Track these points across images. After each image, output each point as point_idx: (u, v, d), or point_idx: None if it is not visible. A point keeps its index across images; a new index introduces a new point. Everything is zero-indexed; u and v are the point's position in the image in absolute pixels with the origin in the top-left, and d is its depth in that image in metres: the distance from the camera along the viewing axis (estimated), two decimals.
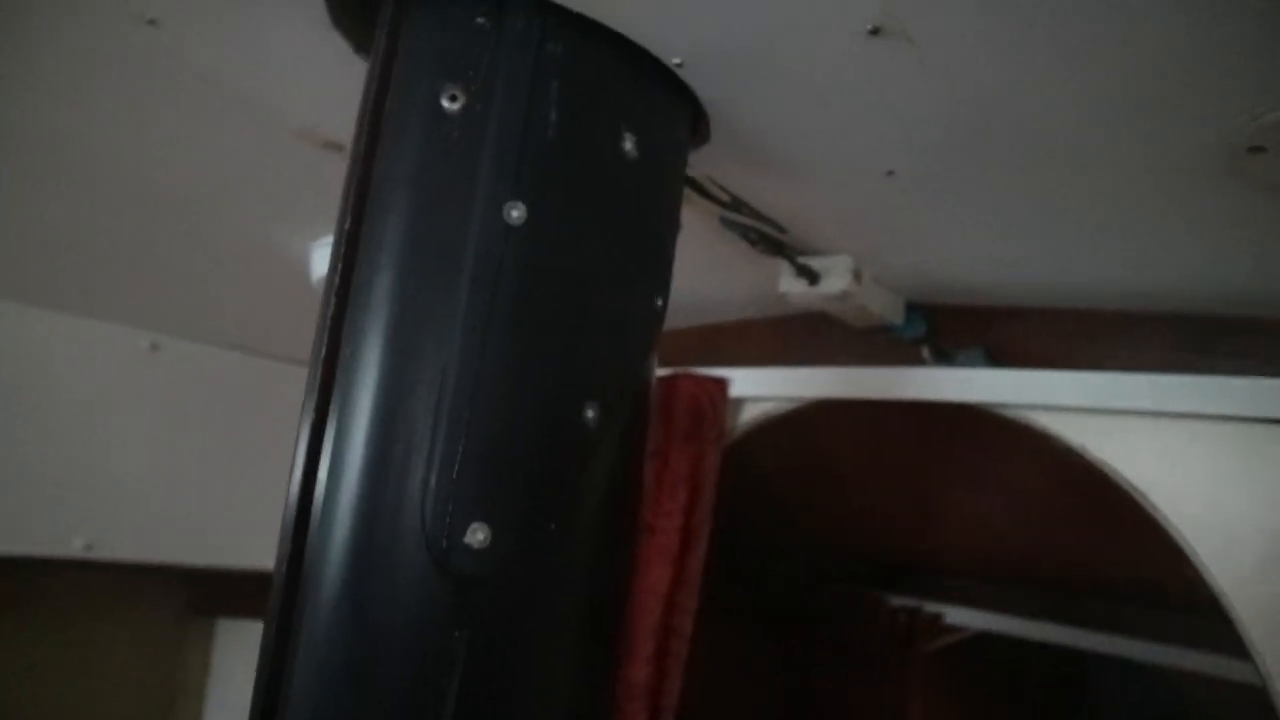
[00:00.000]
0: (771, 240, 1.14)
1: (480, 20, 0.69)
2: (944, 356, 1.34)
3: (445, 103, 0.68)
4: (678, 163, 0.83)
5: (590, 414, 0.71)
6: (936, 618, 2.29)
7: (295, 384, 1.85)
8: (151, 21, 0.81)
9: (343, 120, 0.96)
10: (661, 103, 0.78)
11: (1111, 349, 1.28)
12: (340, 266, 0.68)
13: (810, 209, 1.07)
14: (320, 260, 1.35)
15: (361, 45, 0.81)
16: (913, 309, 1.35)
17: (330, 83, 0.89)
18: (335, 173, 1.08)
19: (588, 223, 0.71)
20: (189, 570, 2.20)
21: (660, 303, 0.80)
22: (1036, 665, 2.56)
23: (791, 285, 1.22)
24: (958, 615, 2.30)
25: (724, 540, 1.13)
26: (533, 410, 0.68)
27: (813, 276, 1.20)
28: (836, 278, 1.20)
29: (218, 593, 2.44)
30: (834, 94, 0.79)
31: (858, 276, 1.20)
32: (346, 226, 0.69)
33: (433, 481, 0.64)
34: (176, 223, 1.33)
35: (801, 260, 1.19)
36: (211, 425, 1.84)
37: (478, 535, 0.64)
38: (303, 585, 0.65)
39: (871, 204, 1.00)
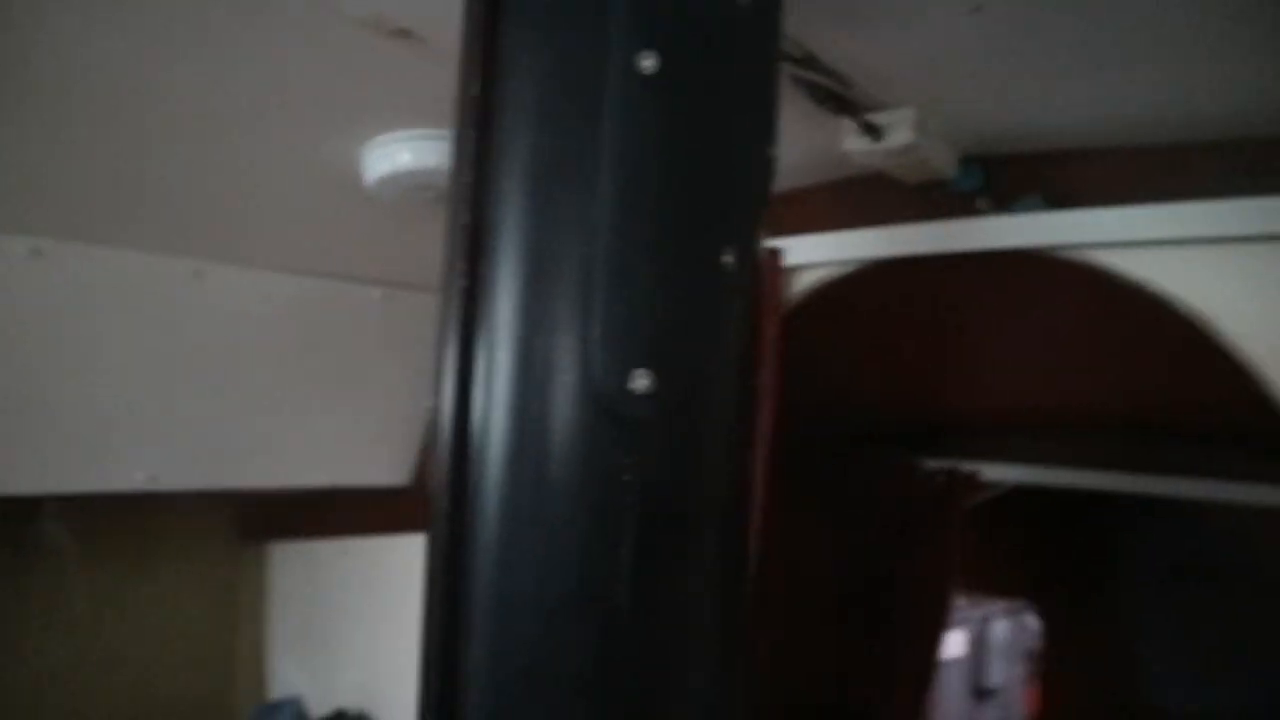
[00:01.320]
0: (837, 97, 1.14)
1: None
2: (1002, 206, 1.35)
3: None
4: (777, 12, 0.82)
5: (728, 259, 0.72)
6: (972, 475, 2.36)
7: (342, 299, 1.86)
8: None
9: (406, 3, 0.96)
10: None
11: (1168, 182, 1.29)
12: (471, 134, 0.68)
13: (880, 60, 1.07)
14: (375, 160, 1.33)
15: None
16: (967, 161, 1.35)
17: None
18: (391, 64, 1.07)
19: (714, 71, 0.71)
20: (242, 495, 2.24)
21: (772, 152, 0.80)
22: (1080, 513, 2.65)
23: (855, 143, 1.23)
24: (993, 471, 2.37)
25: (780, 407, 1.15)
26: (680, 257, 0.69)
27: (877, 133, 1.20)
28: (900, 131, 1.20)
29: (268, 517, 2.49)
30: None
31: (921, 129, 1.20)
32: (474, 91, 0.68)
33: (594, 333, 0.65)
34: (217, 146, 1.31)
35: (867, 117, 1.19)
36: (258, 349, 1.84)
37: (641, 381, 0.66)
38: (472, 452, 0.67)
39: (949, 47, 1.00)
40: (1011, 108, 1.20)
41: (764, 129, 0.79)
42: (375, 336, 1.94)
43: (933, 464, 2.37)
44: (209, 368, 1.79)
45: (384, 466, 2.06)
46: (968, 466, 2.34)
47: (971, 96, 1.15)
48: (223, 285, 1.75)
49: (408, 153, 1.32)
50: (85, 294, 1.60)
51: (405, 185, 1.36)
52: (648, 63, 0.67)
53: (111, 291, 1.63)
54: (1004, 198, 1.37)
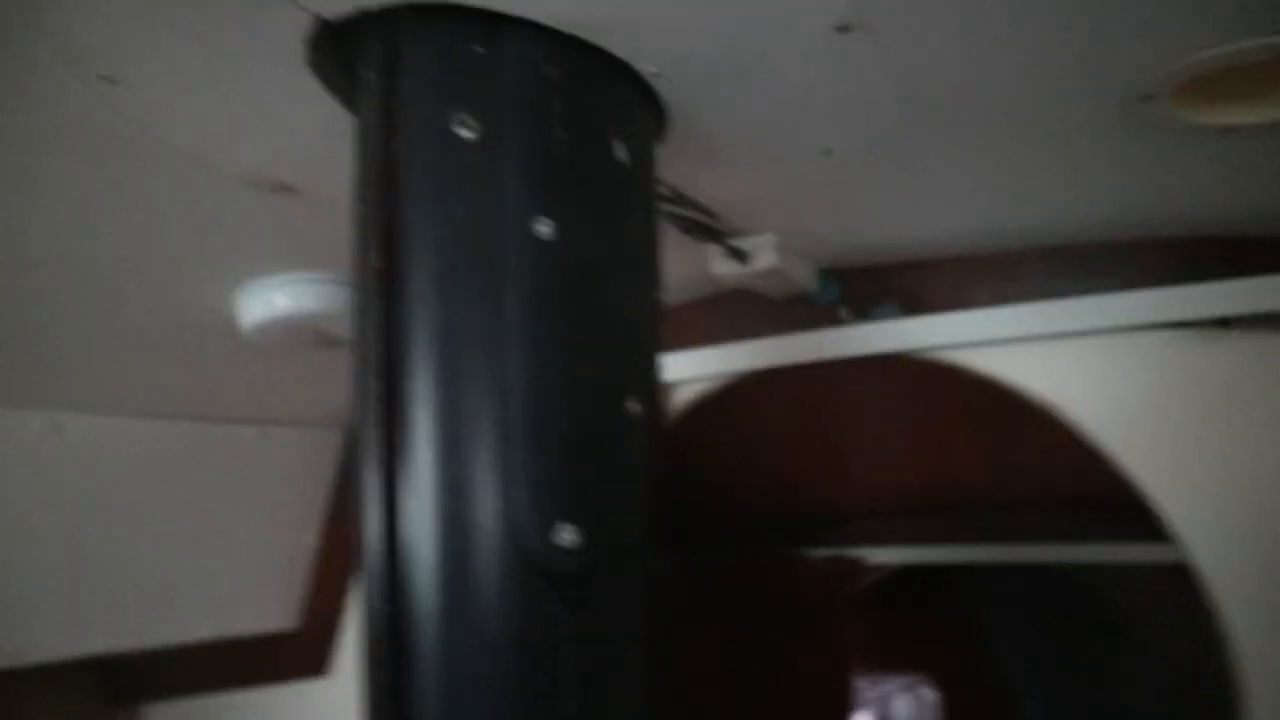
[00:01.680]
0: (704, 227, 1.22)
1: (477, 48, 0.72)
2: (861, 315, 1.45)
3: (459, 130, 0.71)
4: (652, 163, 0.88)
5: (634, 406, 0.76)
6: (857, 560, 2.44)
7: (213, 441, 1.80)
8: (108, 78, 0.80)
9: (294, 160, 0.97)
10: (637, 110, 0.84)
11: (1006, 286, 1.42)
12: (377, 304, 0.70)
13: (741, 194, 1.15)
14: (250, 304, 1.32)
15: (331, 84, 0.82)
16: (826, 274, 1.45)
17: (289, 124, 0.89)
18: (268, 213, 1.08)
19: (603, 230, 0.76)
20: (111, 658, 2.09)
21: (660, 296, 0.85)
22: (963, 584, 2.76)
23: (723, 267, 1.30)
24: (876, 554, 2.46)
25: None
26: (590, 411, 0.72)
27: (742, 256, 1.28)
28: (765, 255, 1.28)
29: (143, 677, 2.32)
30: (789, 88, 0.86)
31: (783, 251, 1.29)
32: (375, 264, 0.71)
33: (517, 492, 0.67)
34: (80, 293, 1.27)
35: (731, 242, 1.27)
36: (125, 500, 1.75)
37: (567, 535, 0.68)
38: (402, 623, 0.67)
39: (805, 183, 1.09)
40: (862, 228, 1.30)
41: (653, 275, 0.84)
42: (249, 476, 1.88)
43: (818, 554, 2.45)
44: (72, 526, 1.68)
45: (269, 610, 1.97)
46: (851, 553, 2.42)
47: (826, 221, 1.25)
48: (84, 436, 1.67)
49: (284, 297, 1.31)
50: None
51: (282, 329, 1.35)
52: (544, 228, 0.71)
53: None
54: (862, 306, 1.47)
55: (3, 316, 1.29)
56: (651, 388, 0.79)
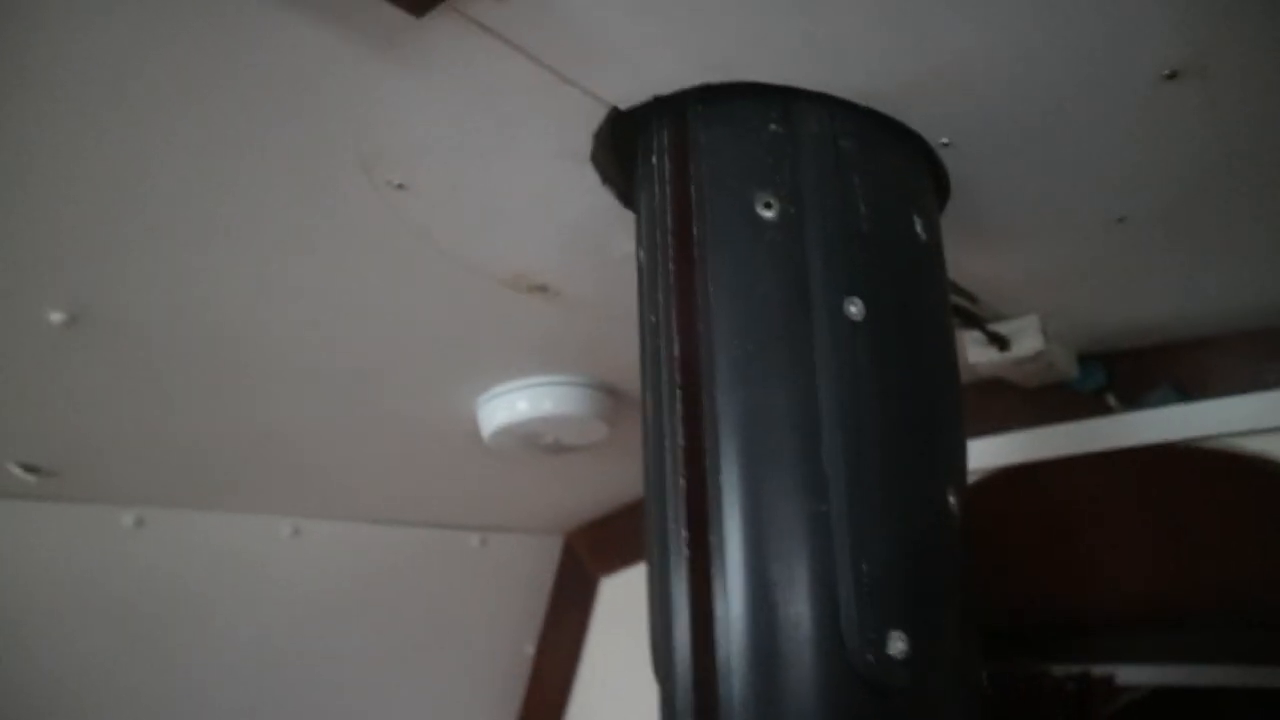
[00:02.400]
0: (963, 312, 1.14)
1: (774, 127, 0.69)
2: (1129, 401, 1.31)
3: (761, 210, 0.67)
4: (941, 240, 0.82)
5: (952, 500, 0.68)
6: (1108, 679, 2.19)
7: (439, 547, 1.83)
8: (398, 184, 0.82)
9: (554, 259, 0.97)
10: (928, 183, 0.79)
11: None
12: (681, 394, 0.66)
13: (1012, 271, 1.07)
14: (493, 410, 1.33)
15: (606, 176, 0.82)
16: (1087, 359, 1.33)
17: (557, 222, 0.89)
18: (517, 315, 1.08)
19: (910, 310, 0.71)
20: None
21: (960, 380, 0.78)
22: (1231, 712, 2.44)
23: (981, 354, 1.21)
24: (1129, 673, 2.20)
25: None
26: (914, 506, 0.65)
27: (1003, 342, 1.19)
28: (1028, 339, 1.19)
29: None
30: (1089, 150, 0.79)
31: (1046, 335, 1.19)
32: (677, 351, 0.67)
33: (847, 596, 0.60)
34: (330, 405, 1.31)
35: (991, 328, 1.18)
36: (355, 602, 1.78)
37: (898, 644, 0.61)
38: None
39: (1087, 255, 1.00)
40: (1136, 306, 1.19)
41: (954, 358, 0.77)
42: (473, 582, 1.89)
43: (1061, 670, 2.22)
44: (308, 624, 1.73)
45: (488, 717, 1.94)
46: (1100, 670, 2.18)
47: (1100, 299, 1.15)
48: (320, 541, 1.72)
49: (525, 402, 1.31)
50: (188, 558, 1.59)
51: (520, 434, 1.35)
52: (854, 308, 0.66)
53: (212, 555, 1.61)
54: (1128, 392, 1.34)
55: (256, 425, 1.35)
56: (964, 479, 0.72)
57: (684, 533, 0.64)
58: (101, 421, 1.24)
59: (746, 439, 0.64)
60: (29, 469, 1.35)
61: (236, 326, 1.05)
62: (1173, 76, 0.68)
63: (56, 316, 0.98)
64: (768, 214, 0.67)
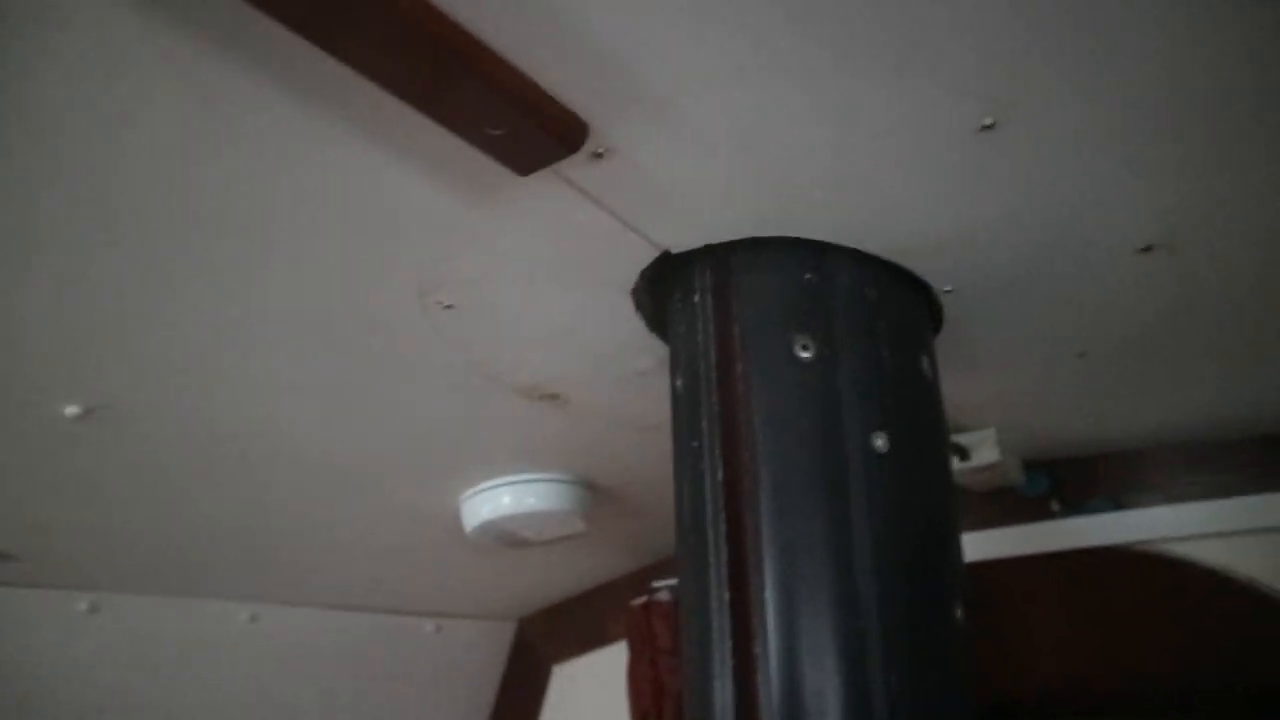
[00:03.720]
0: None
1: (809, 276, 0.78)
2: (1073, 507, 1.43)
3: (799, 352, 0.75)
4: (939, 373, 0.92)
5: (960, 614, 0.76)
6: None
7: (396, 633, 1.83)
8: (447, 305, 0.87)
9: (572, 373, 1.04)
10: (929, 324, 0.88)
11: (1219, 475, 1.40)
12: (726, 515, 0.73)
13: (975, 394, 1.17)
14: (475, 507, 1.36)
15: (640, 307, 0.89)
16: (1032, 466, 1.45)
17: (585, 342, 0.96)
18: (522, 420, 1.13)
19: (921, 441, 0.79)
20: None
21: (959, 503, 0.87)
22: None
23: None
24: None
25: None
26: (933, 620, 0.73)
27: (963, 453, 1.30)
28: (986, 450, 1.29)
29: None
30: (1066, 300, 0.90)
31: (1003, 446, 1.30)
32: (722, 476, 0.74)
33: (881, 704, 0.67)
34: (311, 500, 1.33)
35: (952, 439, 1.28)
36: (312, 688, 1.76)
37: None
38: None
39: (1048, 382, 1.11)
40: (1084, 424, 1.31)
41: (951, 480, 0.86)
42: (427, 668, 1.88)
43: None
44: (264, 710, 1.71)
45: None
46: None
47: (1051, 417, 1.26)
48: (277, 627, 1.70)
49: (508, 496, 1.35)
50: (142, 644, 1.56)
51: (501, 528, 1.39)
52: (879, 441, 0.74)
53: (167, 640, 1.58)
54: (1070, 498, 1.46)
55: (235, 516, 1.35)
56: (968, 592, 0.80)
57: (730, 642, 0.70)
58: (78, 510, 1.23)
59: (788, 559, 0.71)
60: None
61: (247, 423, 1.07)
62: (1147, 250, 0.79)
63: (72, 409, 0.99)
64: (805, 355, 0.75)
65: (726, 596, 0.71)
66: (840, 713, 0.67)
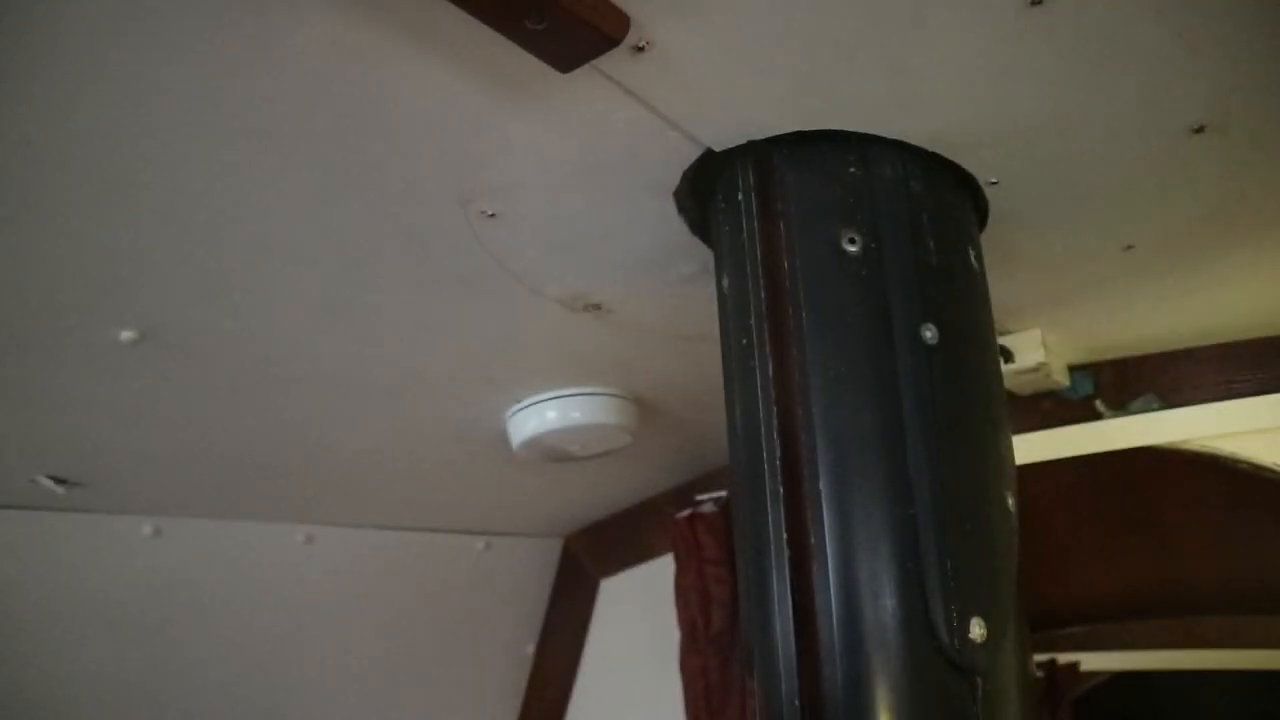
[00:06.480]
0: None
1: (853, 170, 0.77)
2: (1118, 408, 1.42)
3: (846, 245, 0.75)
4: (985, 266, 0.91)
5: (1011, 501, 0.77)
6: (1073, 666, 2.33)
7: (446, 551, 1.87)
8: (489, 214, 0.87)
9: (615, 281, 1.04)
10: (974, 217, 0.87)
11: (1268, 370, 1.38)
12: (778, 409, 0.74)
13: (1024, 293, 1.16)
14: (521, 422, 1.38)
15: (683, 209, 0.89)
16: (1076, 369, 1.44)
17: (626, 248, 0.96)
18: (565, 331, 1.14)
19: (971, 333, 0.79)
20: None
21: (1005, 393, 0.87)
22: (1191, 694, 2.60)
23: None
24: (1093, 660, 2.34)
25: None
26: (984, 508, 0.74)
27: (1008, 355, 1.29)
28: (1031, 352, 1.29)
29: None
30: (1112, 190, 0.89)
31: (1046, 348, 1.29)
32: (772, 371, 0.75)
33: (934, 588, 0.68)
34: (355, 418, 1.35)
35: (999, 341, 1.28)
36: (364, 607, 1.82)
37: (977, 630, 0.69)
38: (818, 712, 0.68)
39: (1095, 279, 1.10)
40: (1128, 323, 1.29)
41: (999, 373, 0.86)
42: (476, 585, 1.94)
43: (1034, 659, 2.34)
44: (316, 627, 1.77)
45: (489, 717, 2.00)
46: (1066, 658, 2.31)
47: (1096, 316, 1.25)
48: (331, 547, 1.76)
49: (554, 410, 1.37)
50: (203, 566, 1.62)
51: (547, 443, 1.41)
52: (928, 333, 0.74)
53: (226, 562, 1.64)
54: (1116, 399, 1.45)
55: (287, 437, 1.38)
56: (1015, 480, 0.80)
57: (785, 535, 0.71)
58: (136, 435, 1.27)
59: (840, 451, 0.72)
60: (58, 481, 1.37)
61: (294, 343, 1.09)
62: (1199, 130, 0.77)
63: (127, 335, 1.01)
64: (852, 249, 0.75)
65: (781, 490, 0.72)
66: (895, 600, 0.68)
